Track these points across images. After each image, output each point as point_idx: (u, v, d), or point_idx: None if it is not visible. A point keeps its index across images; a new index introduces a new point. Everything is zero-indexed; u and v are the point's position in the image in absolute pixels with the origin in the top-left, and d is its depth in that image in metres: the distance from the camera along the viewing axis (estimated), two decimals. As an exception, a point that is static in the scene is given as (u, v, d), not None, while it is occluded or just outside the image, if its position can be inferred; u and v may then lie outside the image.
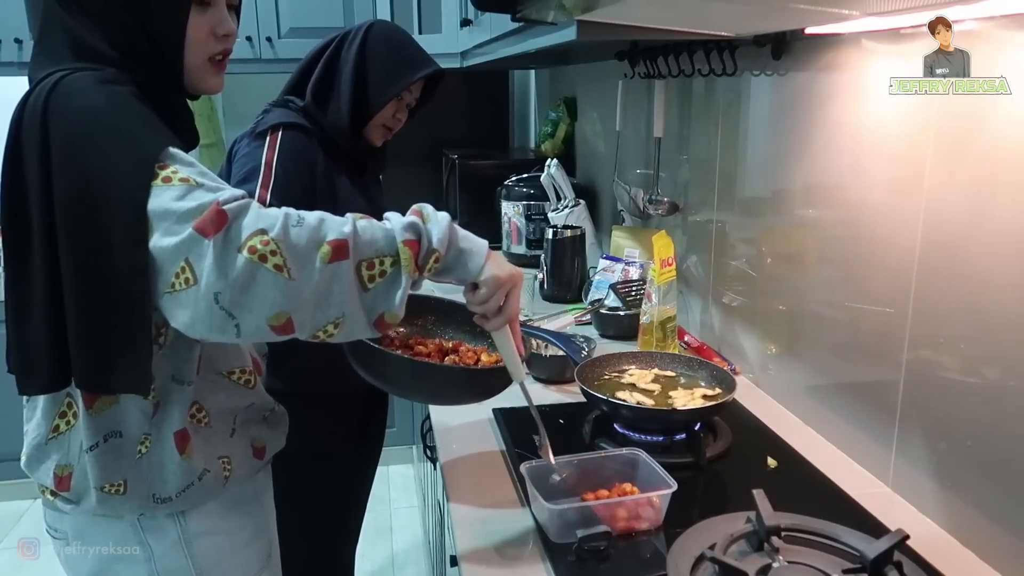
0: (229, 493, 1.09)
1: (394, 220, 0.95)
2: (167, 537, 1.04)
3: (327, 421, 1.59)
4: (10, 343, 0.96)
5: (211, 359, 1.06)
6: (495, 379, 1.13)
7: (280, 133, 1.48)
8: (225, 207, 0.84)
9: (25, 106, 0.92)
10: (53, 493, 1.03)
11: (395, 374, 1.13)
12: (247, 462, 1.11)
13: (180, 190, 0.86)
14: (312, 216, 0.90)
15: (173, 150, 0.89)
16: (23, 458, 1.05)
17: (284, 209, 0.89)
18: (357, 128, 1.58)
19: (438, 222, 0.96)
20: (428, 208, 0.98)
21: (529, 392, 1.11)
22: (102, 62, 0.95)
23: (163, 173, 0.86)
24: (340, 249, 0.88)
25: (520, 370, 1.09)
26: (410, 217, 0.95)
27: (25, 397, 1.04)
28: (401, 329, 1.27)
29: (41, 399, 1.02)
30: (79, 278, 0.88)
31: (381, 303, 0.92)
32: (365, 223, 0.93)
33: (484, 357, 1.26)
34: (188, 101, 1.06)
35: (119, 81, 0.93)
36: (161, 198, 0.85)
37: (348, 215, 0.93)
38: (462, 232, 1.00)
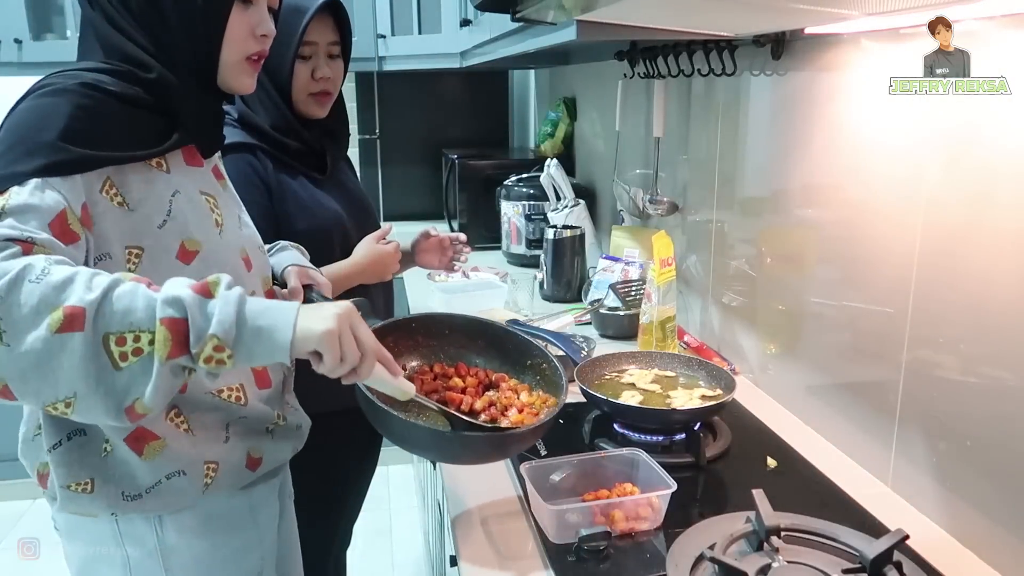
0: (211, 503, 1.04)
1: (164, 288, 0.81)
2: (144, 544, 1.02)
3: (332, 437, 1.55)
4: None
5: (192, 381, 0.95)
6: (525, 441, 1.06)
7: (220, 160, 1.41)
8: None
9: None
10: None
11: (413, 438, 1.04)
12: (237, 471, 1.06)
13: None
14: (61, 273, 0.78)
15: (35, 182, 0.84)
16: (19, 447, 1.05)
17: (37, 259, 0.79)
18: (289, 112, 1.48)
19: (225, 298, 0.81)
20: (223, 281, 0.83)
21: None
22: (127, 61, 0.95)
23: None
24: (74, 318, 0.76)
25: (407, 388, 0.97)
26: (181, 290, 0.80)
27: None
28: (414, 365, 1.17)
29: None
30: None
31: (134, 389, 0.80)
32: (128, 288, 0.79)
33: (524, 397, 1.15)
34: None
35: (116, 85, 0.92)
36: None
37: (118, 275, 0.81)
38: (263, 304, 0.83)
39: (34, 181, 0.85)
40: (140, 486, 0.99)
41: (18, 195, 0.84)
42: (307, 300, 1.20)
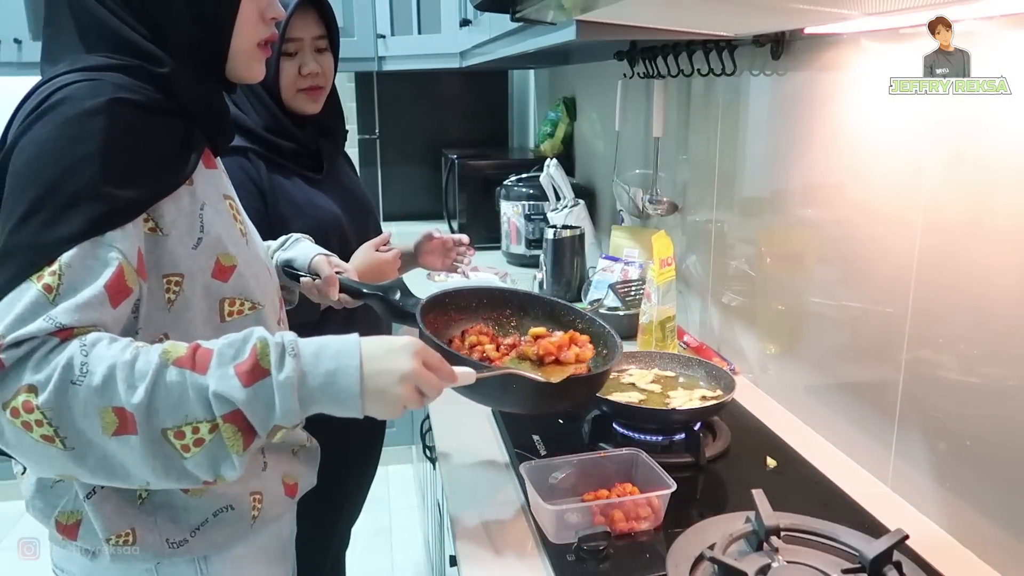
0: (259, 537, 0.99)
1: (215, 371, 0.76)
2: None
3: (333, 438, 1.54)
4: None
5: None
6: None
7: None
8: (4, 354, 0.72)
9: (19, 109, 0.84)
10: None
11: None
12: (280, 500, 1.01)
13: (29, 299, 0.74)
14: (100, 368, 0.73)
15: (86, 245, 0.77)
16: (24, 499, 0.95)
17: (73, 351, 0.74)
18: (279, 112, 1.46)
19: (282, 385, 0.77)
20: (272, 352, 0.78)
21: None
22: (131, 53, 0.86)
23: (46, 270, 0.75)
24: (125, 421, 0.73)
25: (468, 378, 0.96)
26: (229, 382, 0.76)
27: None
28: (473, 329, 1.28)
29: None
30: None
31: (205, 471, 0.78)
32: (175, 379, 0.75)
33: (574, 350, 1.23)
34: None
35: (138, 91, 0.83)
36: (14, 298, 0.74)
37: (156, 356, 0.76)
38: (323, 372, 0.79)
39: (87, 244, 0.77)
40: (185, 529, 0.92)
41: (69, 267, 0.75)
42: (341, 288, 1.25)
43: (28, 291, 0.75)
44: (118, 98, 0.81)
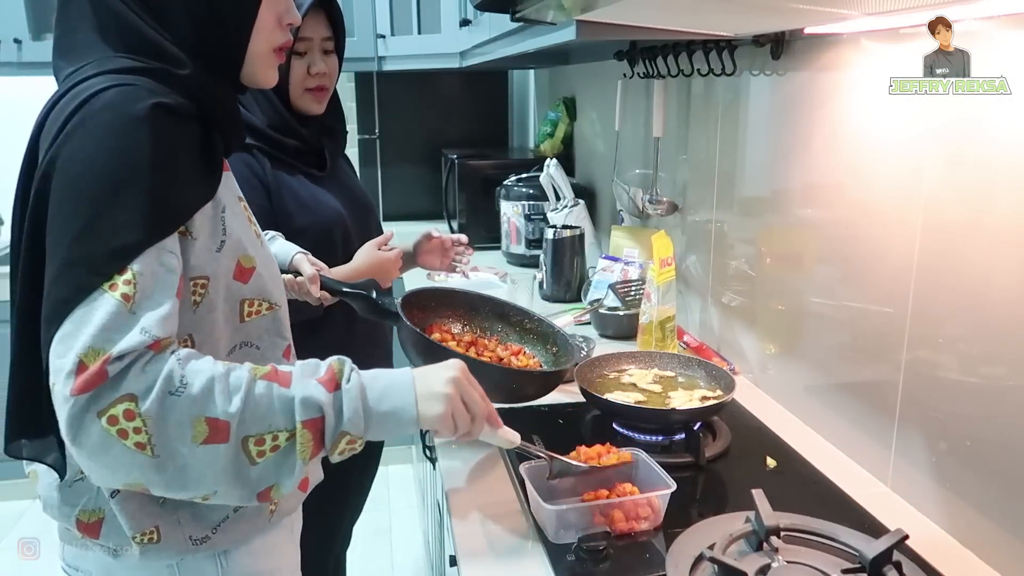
0: (274, 530, 1.01)
1: (298, 382, 0.82)
2: None
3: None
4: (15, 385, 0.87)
5: None
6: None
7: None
8: (109, 367, 0.73)
9: (48, 116, 0.82)
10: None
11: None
12: (294, 494, 1.02)
13: (108, 308, 0.75)
14: (199, 380, 0.77)
15: (153, 251, 0.78)
16: (41, 498, 0.96)
17: (171, 364, 0.77)
18: (285, 110, 1.48)
19: (349, 392, 0.83)
20: (346, 368, 0.85)
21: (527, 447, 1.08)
22: (154, 55, 0.85)
23: (117, 278, 0.76)
24: (218, 431, 0.77)
25: (512, 438, 1.03)
26: (314, 389, 0.82)
27: None
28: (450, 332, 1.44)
29: None
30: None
31: (268, 479, 0.81)
32: (263, 390, 0.80)
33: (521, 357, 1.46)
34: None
35: (170, 96, 0.82)
36: (88, 308, 0.75)
37: (245, 373, 0.80)
38: (381, 386, 0.86)
39: (152, 251, 0.78)
40: (207, 526, 0.93)
41: (141, 275, 0.77)
42: (321, 286, 1.31)
43: (103, 301, 0.75)
44: (158, 103, 0.80)
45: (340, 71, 1.58)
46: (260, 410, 0.79)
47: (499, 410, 1.02)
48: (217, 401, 0.77)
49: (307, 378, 0.83)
